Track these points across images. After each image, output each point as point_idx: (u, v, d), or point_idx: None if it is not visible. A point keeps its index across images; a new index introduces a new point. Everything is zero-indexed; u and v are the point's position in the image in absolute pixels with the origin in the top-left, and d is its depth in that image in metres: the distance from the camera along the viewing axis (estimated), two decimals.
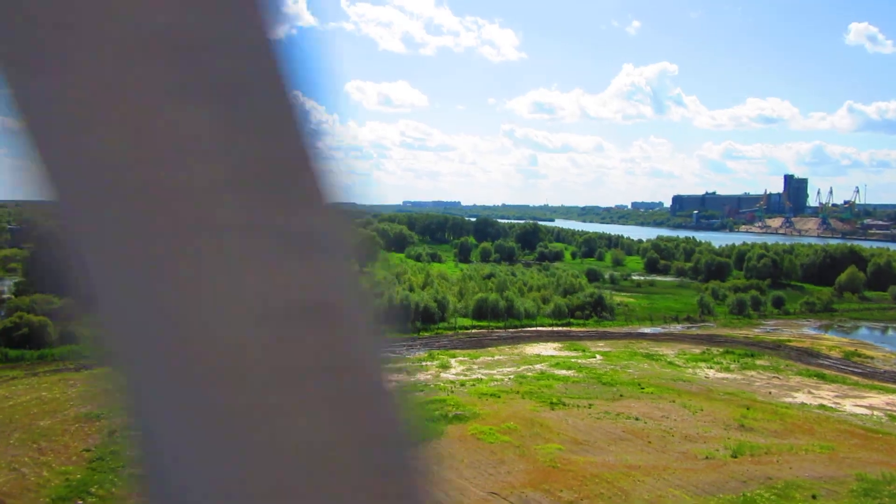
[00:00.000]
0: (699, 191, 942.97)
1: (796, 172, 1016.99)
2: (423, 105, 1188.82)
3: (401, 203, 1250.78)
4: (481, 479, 45.70)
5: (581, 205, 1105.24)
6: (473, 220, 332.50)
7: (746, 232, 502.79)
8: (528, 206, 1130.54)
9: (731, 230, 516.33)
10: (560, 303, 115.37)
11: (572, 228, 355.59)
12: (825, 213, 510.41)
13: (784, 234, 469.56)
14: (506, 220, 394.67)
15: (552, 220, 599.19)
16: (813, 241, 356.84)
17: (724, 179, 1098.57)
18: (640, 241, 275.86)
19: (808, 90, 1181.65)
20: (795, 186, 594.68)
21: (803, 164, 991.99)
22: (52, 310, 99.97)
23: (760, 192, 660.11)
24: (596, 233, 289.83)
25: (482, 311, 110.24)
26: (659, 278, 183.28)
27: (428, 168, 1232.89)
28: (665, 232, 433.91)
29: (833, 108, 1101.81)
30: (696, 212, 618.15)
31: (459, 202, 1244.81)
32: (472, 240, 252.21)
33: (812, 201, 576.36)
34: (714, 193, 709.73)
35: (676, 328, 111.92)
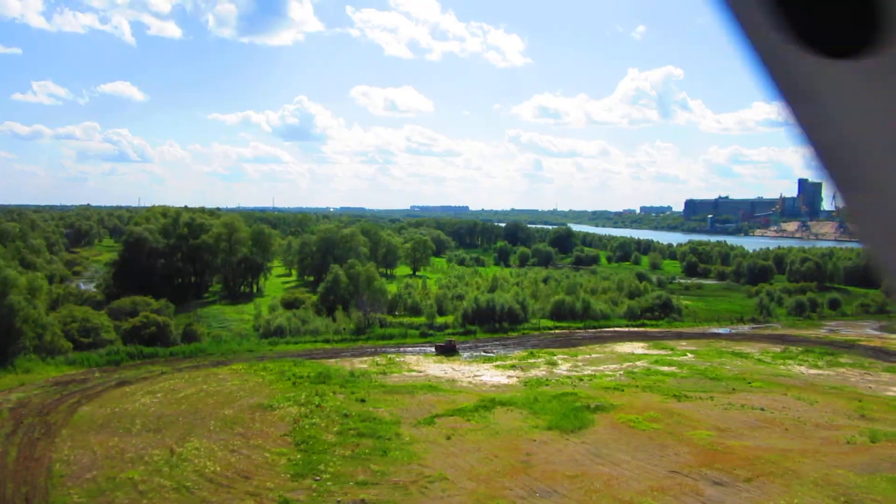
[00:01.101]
0: (705, 195, 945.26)
1: (803, 176, 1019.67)
2: (428, 110, 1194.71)
3: (408, 208, 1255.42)
4: (654, 461, 50.63)
5: (589, 209, 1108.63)
6: (503, 225, 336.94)
7: (762, 236, 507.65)
8: (536, 211, 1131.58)
9: (747, 234, 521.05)
10: (632, 305, 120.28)
11: (597, 233, 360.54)
12: (843, 217, 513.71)
13: (800, 238, 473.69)
14: (534, 226, 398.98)
15: (564, 225, 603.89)
16: (830, 244, 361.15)
17: (731, 184, 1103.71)
18: (670, 245, 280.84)
19: None
20: (810, 190, 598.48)
21: (810, 168, 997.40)
22: (162, 310, 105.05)
23: (772, 196, 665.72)
24: (626, 238, 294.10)
25: (560, 312, 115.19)
26: (702, 282, 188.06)
27: (433, 173, 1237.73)
28: (679, 236, 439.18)
29: None
30: (710, 216, 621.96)
31: (468, 207, 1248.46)
32: (509, 245, 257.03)
33: (827, 205, 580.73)
34: (727, 198, 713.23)
35: (744, 328, 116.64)
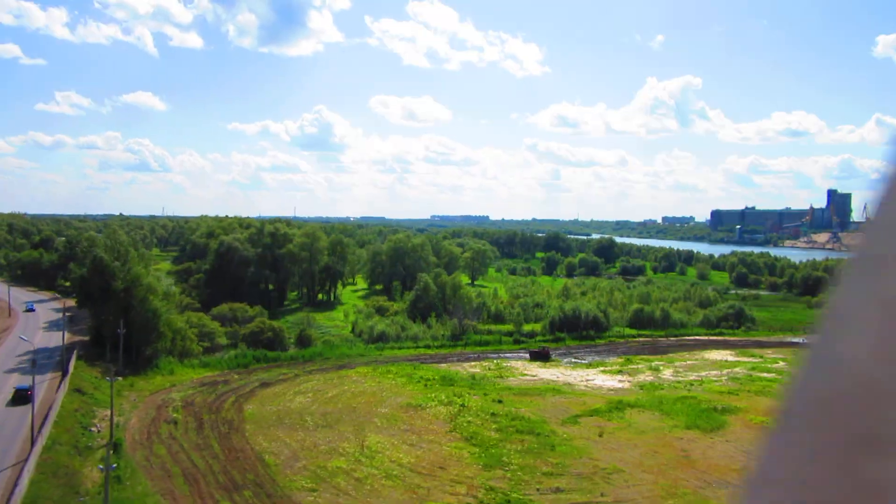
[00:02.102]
0: (725, 205, 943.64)
1: (823, 186, 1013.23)
2: (446, 119, 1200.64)
3: (429, 217, 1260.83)
4: None
5: (607, 219, 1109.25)
6: (542, 235, 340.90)
7: (792, 247, 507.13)
8: (558, 221, 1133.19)
9: (776, 245, 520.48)
10: (707, 314, 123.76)
11: (635, 243, 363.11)
12: None
13: (832, 250, 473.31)
14: (574, 237, 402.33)
15: (588, 234, 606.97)
16: None
17: (751, 193, 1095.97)
18: (711, 255, 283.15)
19: (836, 103, 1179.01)
20: (839, 201, 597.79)
21: (831, 178, 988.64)
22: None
23: (800, 206, 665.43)
24: (669, 248, 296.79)
25: (639, 321, 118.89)
26: (755, 292, 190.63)
27: (451, 182, 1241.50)
28: (706, 246, 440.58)
29: (861, 120, 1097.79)
30: (738, 227, 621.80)
31: (488, 216, 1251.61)
32: (557, 254, 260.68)
33: (858, 216, 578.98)
34: (753, 208, 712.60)
35: None
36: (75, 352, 74.96)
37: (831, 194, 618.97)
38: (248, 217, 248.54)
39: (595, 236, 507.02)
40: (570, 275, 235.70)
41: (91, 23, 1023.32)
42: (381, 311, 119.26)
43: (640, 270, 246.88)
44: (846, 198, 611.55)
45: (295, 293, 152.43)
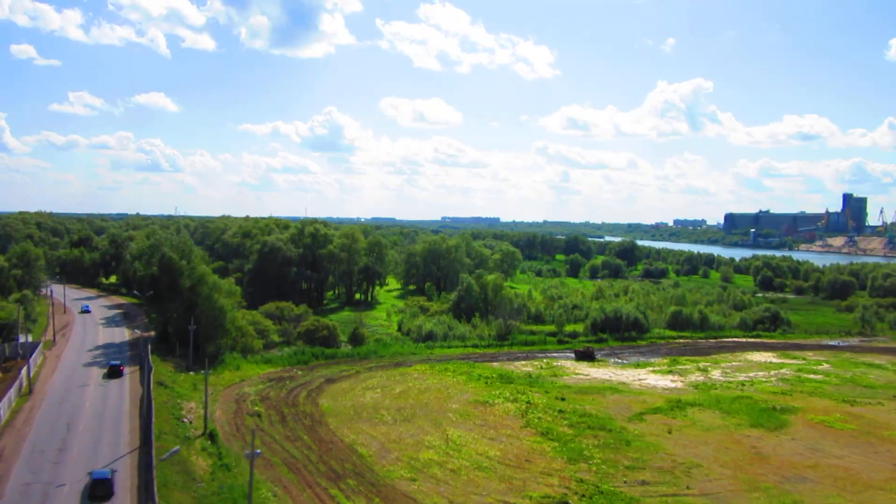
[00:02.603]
0: (735, 208, 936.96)
1: (835, 190, 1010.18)
2: (456, 122, 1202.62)
3: (439, 219, 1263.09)
4: (873, 456, 56.27)
5: (616, 221, 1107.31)
6: (562, 237, 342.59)
7: (807, 251, 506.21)
8: (569, 223, 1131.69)
9: (791, 249, 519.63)
10: (744, 316, 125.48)
11: (653, 246, 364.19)
12: (892, 233, 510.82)
13: (847, 254, 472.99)
14: (593, 239, 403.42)
15: (601, 237, 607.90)
16: (878, 260, 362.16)
17: (761, 197, 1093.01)
18: (732, 259, 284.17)
19: (848, 107, 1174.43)
20: (854, 205, 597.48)
21: (843, 182, 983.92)
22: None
23: (815, 210, 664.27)
24: (691, 252, 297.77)
25: (677, 322, 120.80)
26: (782, 296, 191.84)
27: (460, 184, 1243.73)
28: (719, 249, 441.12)
29: (874, 124, 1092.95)
30: (752, 230, 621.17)
31: (499, 218, 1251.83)
32: (580, 256, 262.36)
33: (873, 220, 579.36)
34: (768, 212, 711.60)
35: (853, 341, 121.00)
36: (149, 347, 77.45)
37: (846, 198, 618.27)
38: (275, 217, 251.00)
39: (609, 238, 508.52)
40: (593, 276, 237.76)
41: (105, 24, 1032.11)
42: (422, 311, 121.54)
43: (662, 273, 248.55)
44: (862, 202, 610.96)
45: (331, 293, 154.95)
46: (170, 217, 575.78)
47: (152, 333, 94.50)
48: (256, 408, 65.00)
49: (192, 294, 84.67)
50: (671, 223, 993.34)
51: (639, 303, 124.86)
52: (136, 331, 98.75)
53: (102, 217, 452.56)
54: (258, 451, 42.79)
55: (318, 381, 77.88)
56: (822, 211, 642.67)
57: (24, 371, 66.28)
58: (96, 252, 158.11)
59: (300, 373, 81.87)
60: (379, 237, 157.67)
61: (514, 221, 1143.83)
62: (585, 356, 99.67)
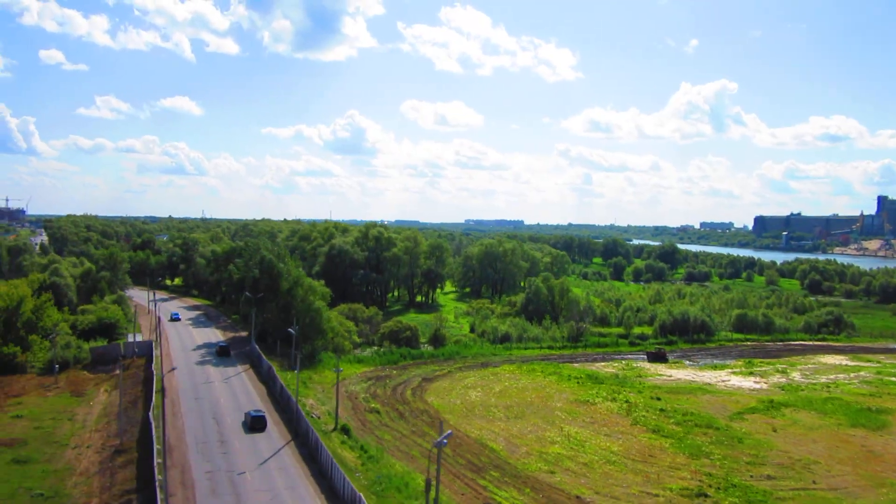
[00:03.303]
0: (760, 211, 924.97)
1: (863, 192, 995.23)
2: (478, 124, 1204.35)
3: (463, 221, 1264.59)
4: None
5: (640, 224, 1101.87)
6: (600, 241, 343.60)
7: (841, 254, 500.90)
8: (594, 226, 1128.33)
9: (825, 252, 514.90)
10: (808, 320, 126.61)
11: (690, 249, 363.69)
12: None
13: (884, 257, 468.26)
14: (632, 242, 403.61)
15: (630, 240, 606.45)
16: None
17: (786, 199, 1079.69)
18: (773, 262, 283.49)
19: (877, 107, 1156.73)
20: (890, 208, 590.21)
21: (871, 184, 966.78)
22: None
23: (846, 213, 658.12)
24: (733, 255, 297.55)
25: (742, 325, 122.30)
26: (833, 299, 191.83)
27: (482, 187, 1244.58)
28: (750, 253, 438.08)
29: None
30: (784, 233, 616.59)
31: (523, 221, 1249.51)
32: (622, 259, 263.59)
33: None
34: (799, 214, 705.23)
35: None
36: (256, 346, 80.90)
37: (881, 201, 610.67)
38: (333, 221, 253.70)
39: (641, 242, 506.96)
40: (636, 279, 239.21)
41: (131, 29, 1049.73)
42: (484, 313, 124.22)
43: (705, 277, 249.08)
44: None
45: (391, 295, 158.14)
46: (203, 220, 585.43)
47: (245, 334, 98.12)
48: (372, 405, 68.06)
49: (289, 296, 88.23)
50: (697, 226, 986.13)
51: (703, 305, 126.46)
52: (225, 331, 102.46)
53: (143, 220, 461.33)
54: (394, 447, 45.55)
55: (416, 380, 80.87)
56: (856, 213, 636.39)
57: (153, 368, 69.99)
58: (162, 255, 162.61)
59: (395, 372, 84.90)
60: (440, 241, 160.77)
61: (538, 224, 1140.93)
62: (658, 358, 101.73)
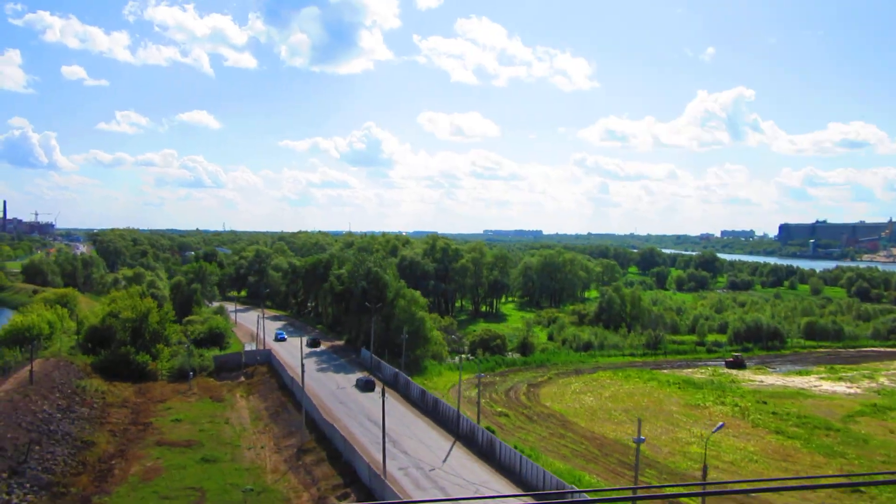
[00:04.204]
0: (779, 218, 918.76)
1: (884, 198, 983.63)
2: (494, 135, 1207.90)
3: (481, 232, 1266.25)
4: None
5: (665, 233, 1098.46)
6: (635, 250, 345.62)
7: (870, 261, 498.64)
8: (614, 235, 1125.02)
9: (853, 259, 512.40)
10: (878, 326, 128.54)
11: (724, 258, 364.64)
12: None
13: None
14: (670, 251, 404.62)
15: (636, 248, 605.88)
16: None
17: (805, 206, 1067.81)
18: (812, 270, 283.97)
19: None
20: None
21: (892, 190, 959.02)
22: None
23: (876, 220, 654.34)
24: (775, 264, 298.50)
25: (813, 332, 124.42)
26: (885, 307, 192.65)
27: (498, 197, 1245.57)
28: (776, 260, 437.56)
29: None
30: (811, 241, 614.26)
31: (541, 231, 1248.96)
32: (665, 267, 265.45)
33: None
34: (825, 222, 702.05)
35: None
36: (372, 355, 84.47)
37: None
38: (372, 234, 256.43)
39: (675, 252, 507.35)
40: (679, 288, 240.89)
41: (151, 45, 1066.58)
42: (554, 321, 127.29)
43: (748, 285, 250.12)
44: None
45: (456, 304, 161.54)
46: (231, 232, 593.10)
47: (341, 342, 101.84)
48: (498, 409, 71.34)
49: (390, 306, 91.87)
50: (718, 234, 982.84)
51: (773, 313, 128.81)
52: (313, 338, 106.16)
53: (181, 234, 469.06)
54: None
55: (522, 386, 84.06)
56: (881, 220, 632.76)
57: (291, 374, 73.72)
58: (228, 267, 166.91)
59: (497, 379, 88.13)
60: (505, 251, 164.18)
61: (557, 234, 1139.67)
62: (737, 365, 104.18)
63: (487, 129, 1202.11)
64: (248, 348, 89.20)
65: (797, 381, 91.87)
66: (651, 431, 64.29)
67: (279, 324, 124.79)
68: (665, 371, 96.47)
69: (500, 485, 45.87)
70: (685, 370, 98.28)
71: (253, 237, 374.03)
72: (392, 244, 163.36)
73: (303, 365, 63.42)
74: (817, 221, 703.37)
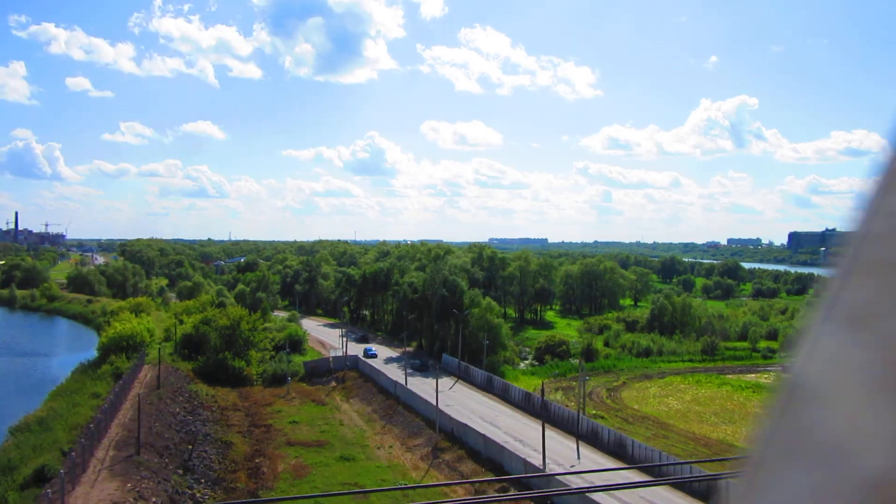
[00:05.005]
0: (783, 227, 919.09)
1: None
2: (497, 143, 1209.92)
3: (486, 240, 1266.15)
4: None
5: (671, 241, 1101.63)
6: (656, 259, 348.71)
7: None
8: (621, 243, 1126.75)
9: None
10: None
11: (744, 266, 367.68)
12: None
13: None
14: (696, 259, 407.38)
15: (657, 257, 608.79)
16: None
17: (809, 214, 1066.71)
18: None
19: None
20: None
21: None
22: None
23: None
24: (800, 272, 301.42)
25: None
26: None
27: (502, 206, 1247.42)
28: (787, 268, 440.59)
29: None
30: (822, 248, 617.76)
31: (546, 239, 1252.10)
32: (693, 276, 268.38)
33: None
34: (835, 230, 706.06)
35: None
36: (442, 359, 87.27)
37: None
38: (392, 242, 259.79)
39: (692, 260, 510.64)
40: (706, 296, 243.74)
41: (156, 57, 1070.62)
42: (601, 329, 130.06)
43: (773, 293, 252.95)
44: None
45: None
46: (251, 241, 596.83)
47: (410, 348, 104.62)
48: (592, 411, 74.00)
49: (462, 313, 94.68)
50: (724, 242, 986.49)
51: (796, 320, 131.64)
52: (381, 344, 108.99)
53: (200, 243, 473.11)
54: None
55: (600, 390, 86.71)
56: None
57: (386, 380, 76.50)
58: (276, 275, 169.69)
59: (574, 384, 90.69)
60: (551, 260, 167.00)
61: (562, 242, 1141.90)
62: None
63: (491, 137, 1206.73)
64: (333, 354, 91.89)
65: None
66: (749, 432, 66.83)
67: (334, 331, 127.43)
68: (730, 376, 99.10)
69: (644, 478, 48.50)
70: (749, 375, 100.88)
71: (275, 246, 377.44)
72: (434, 253, 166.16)
73: (406, 373, 66.12)
74: (826, 230, 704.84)
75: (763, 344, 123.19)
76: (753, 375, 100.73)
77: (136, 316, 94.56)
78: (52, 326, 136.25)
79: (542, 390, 55.73)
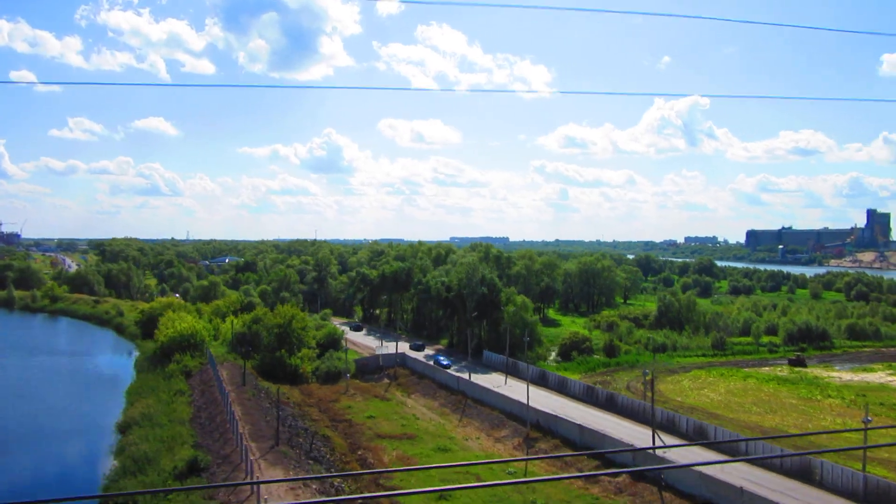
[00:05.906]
0: (735, 224, 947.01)
1: (833, 204, 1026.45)
2: (455, 142, 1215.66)
3: (447, 239, 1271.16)
4: None
5: (624, 239, 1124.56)
6: (631, 257, 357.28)
7: (837, 266, 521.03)
8: (581, 242, 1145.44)
9: (821, 264, 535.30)
10: None
11: (732, 265, 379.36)
12: None
13: (879, 269, 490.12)
14: (680, 259, 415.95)
15: (633, 255, 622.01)
16: None
17: (760, 212, 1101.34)
18: (803, 275, 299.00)
19: (844, 122, 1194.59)
20: (880, 221, 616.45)
21: (840, 196, 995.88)
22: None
23: (839, 226, 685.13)
24: (772, 270, 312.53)
25: (854, 333, 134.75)
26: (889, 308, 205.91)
27: (460, 204, 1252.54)
28: (746, 265, 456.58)
29: (869, 139, 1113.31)
30: (780, 246, 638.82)
31: (507, 238, 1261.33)
32: (670, 275, 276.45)
33: None
34: (790, 228, 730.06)
35: None
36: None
37: (871, 214, 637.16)
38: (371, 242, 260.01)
39: (668, 259, 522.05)
40: (685, 293, 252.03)
41: (105, 51, 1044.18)
42: (609, 326, 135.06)
43: (749, 290, 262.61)
44: (886, 217, 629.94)
45: None
46: (175, 241, 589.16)
47: (442, 345, 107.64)
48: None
49: (499, 311, 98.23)
50: (682, 240, 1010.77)
51: (819, 315, 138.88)
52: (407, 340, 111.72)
53: (162, 243, 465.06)
54: None
55: (635, 383, 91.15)
56: (843, 227, 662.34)
57: (446, 377, 79.35)
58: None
59: (608, 378, 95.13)
60: (555, 258, 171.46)
61: (523, 241, 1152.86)
62: (798, 363, 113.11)
63: (448, 135, 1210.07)
64: (380, 352, 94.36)
65: (874, 377, 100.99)
66: (795, 421, 72.01)
67: (360, 331, 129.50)
68: (747, 369, 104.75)
69: (735, 464, 52.71)
70: (764, 368, 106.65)
71: (256, 246, 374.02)
72: (436, 252, 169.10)
73: (470, 370, 69.17)
74: (783, 228, 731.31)
75: (765, 339, 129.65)
76: (768, 368, 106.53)
77: (176, 313, 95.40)
78: (68, 327, 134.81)
79: (652, 381, 58.91)
